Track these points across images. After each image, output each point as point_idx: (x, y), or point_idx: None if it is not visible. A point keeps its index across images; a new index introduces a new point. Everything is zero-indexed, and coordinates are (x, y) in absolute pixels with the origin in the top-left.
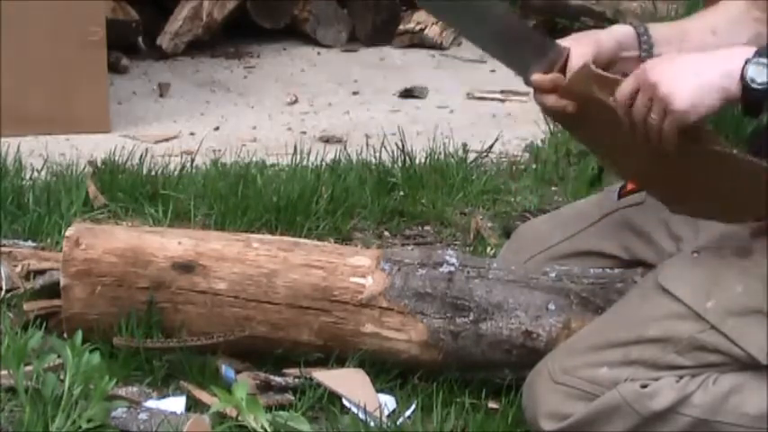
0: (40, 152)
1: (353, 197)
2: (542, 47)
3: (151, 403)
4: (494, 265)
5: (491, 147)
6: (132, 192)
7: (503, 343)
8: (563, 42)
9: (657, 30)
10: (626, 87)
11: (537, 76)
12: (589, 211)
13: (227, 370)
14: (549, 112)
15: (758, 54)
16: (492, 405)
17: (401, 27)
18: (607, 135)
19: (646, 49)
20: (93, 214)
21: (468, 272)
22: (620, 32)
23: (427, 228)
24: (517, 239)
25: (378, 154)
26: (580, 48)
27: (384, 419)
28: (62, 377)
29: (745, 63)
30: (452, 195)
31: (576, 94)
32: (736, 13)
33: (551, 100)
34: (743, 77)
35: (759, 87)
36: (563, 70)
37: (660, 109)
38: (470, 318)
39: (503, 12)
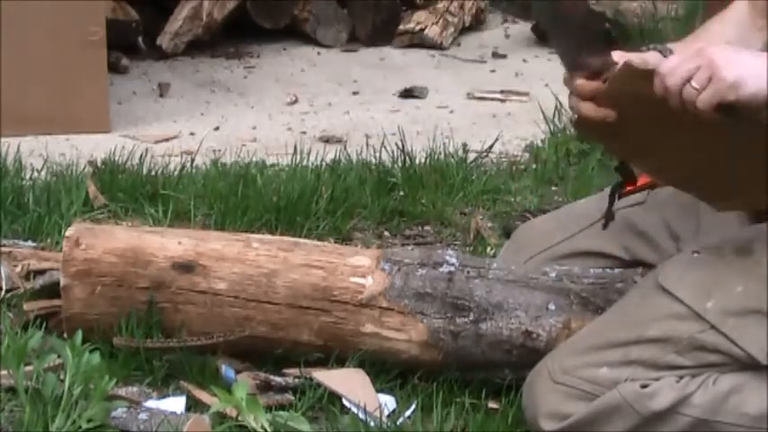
0: (40, 152)
1: (353, 197)
2: (595, 50)
3: (151, 403)
4: (494, 265)
5: (491, 147)
6: (132, 192)
7: (503, 343)
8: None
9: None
10: (688, 62)
11: (580, 82)
12: (589, 211)
13: (227, 370)
14: (582, 123)
15: None
16: (492, 405)
17: (401, 27)
18: (649, 137)
19: None
20: (93, 214)
21: (468, 272)
22: (653, 56)
23: (427, 228)
24: (517, 239)
25: (378, 154)
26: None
27: (384, 419)
28: (62, 377)
29: None
30: (452, 195)
31: (617, 96)
32: (742, 23)
33: (589, 109)
34: None
35: None
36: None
37: (705, 78)
38: (470, 318)
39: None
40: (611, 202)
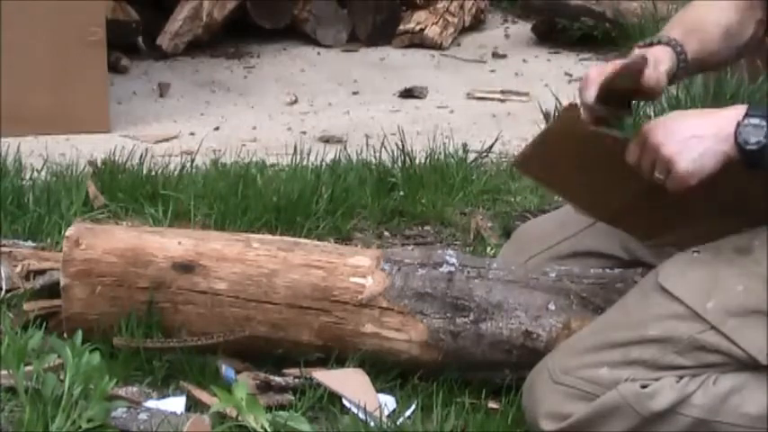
0: (40, 152)
1: (353, 197)
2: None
3: (151, 403)
4: (494, 265)
5: (491, 147)
6: (132, 192)
7: (503, 343)
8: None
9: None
10: (633, 149)
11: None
12: None
13: (227, 370)
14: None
15: (747, 116)
16: (492, 405)
17: (401, 27)
18: (586, 174)
19: (683, 67)
20: (93, 214)
21: (468, 272)
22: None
23: (427, 228)
24: (517, 239)
25: (378, 154)
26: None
27: (384, 419)
28: (62, 377)
29: (738, 125)
30: (452, 195)
31: (565, 134)
32: (734, 8)
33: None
34: (737, 140)
35: (753, 148)
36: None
37: (663, 169)
38: (470, 318)
39: None
40: None
